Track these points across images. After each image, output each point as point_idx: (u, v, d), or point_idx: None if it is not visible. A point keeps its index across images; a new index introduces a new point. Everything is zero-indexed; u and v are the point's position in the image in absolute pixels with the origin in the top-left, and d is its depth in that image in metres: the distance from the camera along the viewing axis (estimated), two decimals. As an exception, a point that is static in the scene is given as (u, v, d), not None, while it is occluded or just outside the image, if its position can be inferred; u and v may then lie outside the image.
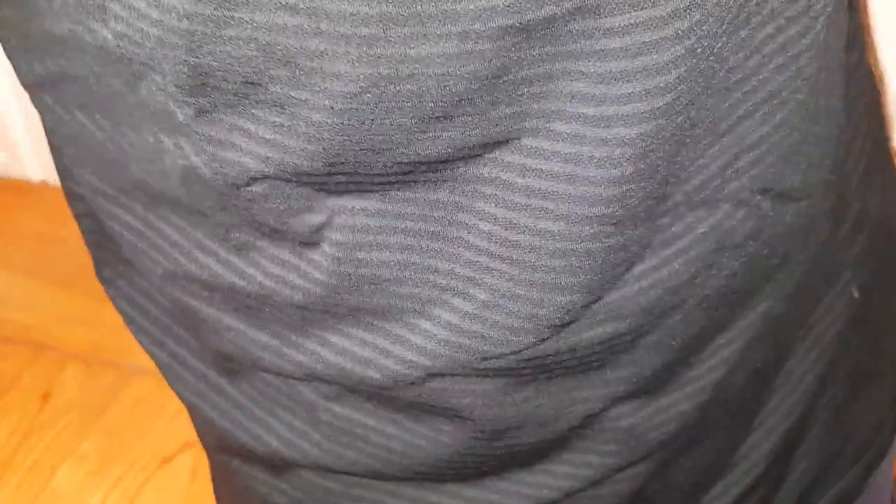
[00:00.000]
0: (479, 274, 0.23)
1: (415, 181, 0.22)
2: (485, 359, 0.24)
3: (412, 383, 0.24)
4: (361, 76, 0.19)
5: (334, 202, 0.22)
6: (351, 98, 0.19)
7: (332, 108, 0.20)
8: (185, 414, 0.62)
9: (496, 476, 0.28)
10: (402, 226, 0.22)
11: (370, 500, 0.29)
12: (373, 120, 0.20)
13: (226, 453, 0.31)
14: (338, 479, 0.28)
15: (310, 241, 0.23)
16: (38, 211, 0.86)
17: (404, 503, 0.28)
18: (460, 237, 0.23)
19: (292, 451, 0.28)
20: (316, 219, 0.22)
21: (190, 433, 0.61)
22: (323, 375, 0.25)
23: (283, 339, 0.25)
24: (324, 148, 0.20)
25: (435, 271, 0.23)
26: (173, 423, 0.62)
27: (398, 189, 0.22)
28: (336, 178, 0.21)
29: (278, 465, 0.29)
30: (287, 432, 0.27)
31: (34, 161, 1.87)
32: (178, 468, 0.59)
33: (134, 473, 0.59)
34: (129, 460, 0.60)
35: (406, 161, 0.21)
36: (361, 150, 0.20)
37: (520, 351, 0.24)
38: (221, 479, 0.35)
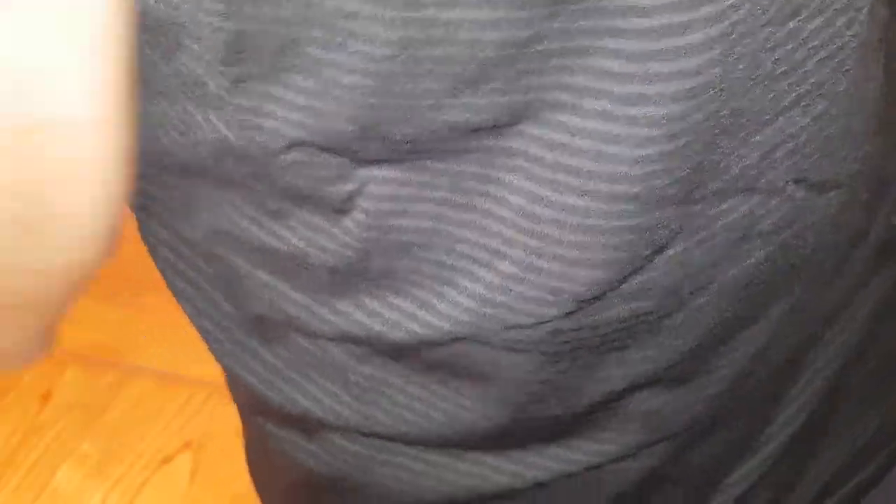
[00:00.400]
0: (505, 246, 0.23)
1: (444, 150, 0.22)
2: (507, 328, 0.24)
3: (438, 345, 0.25)
4: (394, 39, 0.19)
5: (366, 172, 0.22)
6: (383, 61, 0.20)
7: (365, 70, 0.20)
8: (184, 414, 0.62)
9: (519, 447, 0.28)
10: (432, 195, 0.23)
11: (396, 464, 0.29)
12: (404, 84, 0.20)
13: (261, 416, 0.31)
14: (366, 443, 0.29)
15: (342, 208, 0.23)
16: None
17: (428, 468, 0.29)
18: (488, 209, 0.23)
19: (324, 413, 0.28)
20: (348, 187, 0.23)
21: (189, 433, 0.61)
22: (354, 336, 0.26)
23: (318, 300, 0.26)
24: (356, 111, 0.21)
25: (462, 241, 0.23)
26: (173, 423, 0.62)
27: (427, 159, 0.22)
28: (368, 144, 0.22)
29: (310, 428, 0.29)
30: (319, 393, 0.28)
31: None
32: (177, 468, 0.59)
33: (134, 473, 0.59)
34: (129, 460, 0.60)
35: (434, 128, 0.21)
36: (392, 114, 0.21)
37: (542, 323, 0.24)
38: (255, 443, 0.36)
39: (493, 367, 0.25)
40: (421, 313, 0.25)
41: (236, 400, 0.34)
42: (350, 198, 0.23)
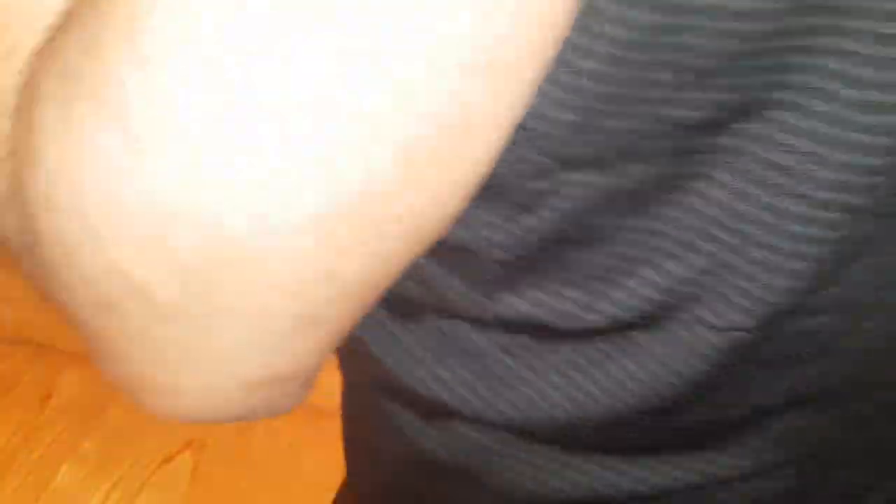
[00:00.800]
0: (700, 240, 0.23)
1: (654, 149, 0.21)
2: (690, 323, 0.24)
3: (604, 332, 0.24)
4: (644, 22, 0.18)
5: (566, 175, 0.22)
6: (627, 47, 0.18)
7: (606, 55, 0.19)
8: (185, 414, 0.62)
9: (650, 452, 0.27)
10: (627, 195, 0.22)
11: (518, 459, 0.28)
12: (638, 73, 0.19)
13: (383, 393, 0.31)
14: (493, 436, 0.28)
15: (529, 205, 0.23)
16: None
17: (550, 465, 0.28)
18: (687, 202, 0.22)
19: (455, 400, 0.28)
20: (542, 185, 0.22)
21: (190, 433, 0.61)
22: (509, 324, 0.26)
23: (477, 288, 0.25)
24: (583, 101, 0.20)
25: (654, 233, 0.23)
26: (173, 423, 0.62)
27: (633, 161, 0.21)
28: (580, 138, 0.21)
29: (434, 412, 0.29)
30: (451, 379, 0.28)
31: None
32: (178, 468, 0.59)
33: (134, 473, 0.59)
34: (130, 460, 0.60)
35: (653, 125, 0.20)
36: (617, 107, 0.20)
37: (728, 331, 0.23)
38: (364, 418, 0.35)
39: (656, 362, 0.25)
40: (595, 302, 0.24)
41: (349, 372, 0.33)
42: (541, 196, 0.22)
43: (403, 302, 0.27)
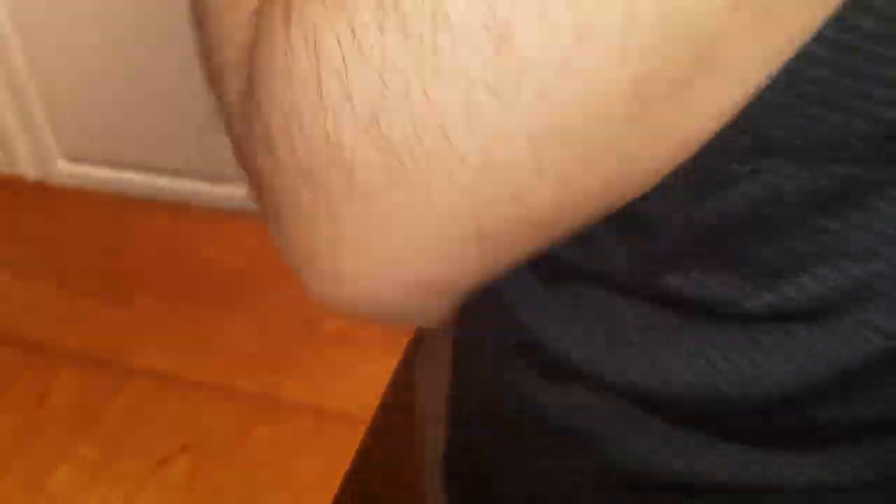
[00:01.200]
0: (882, 244, 0.22)
1: (862, 154, 0.21)
2: (860, 324, 0.24)
3: (757, 319, 0.24)
4: (889, 12, 0.17)
5: (767, 162, 0.21)
6: (861, 35, 0.18)
7: (834, 41, 0.18)
8: (182, 416, 0.62)
9: (768, 446, 0.27)
10: (823, 192, 0.22)
11: (632, 431, 0.28)
12: (864, 64, 0.18)
13: (508, 349, 0.31)
14: (614, 404, 0.28)
15: (718, 186, 0.22)
16: (35, 211, 0.86)
17: (670, 443, 0.28)
18: (877, 206, 0.22)
19: (586, 363, 0.28)
20: (739, 169, 0.22)
21: (187, 435, 0.61)
22: (658, 299, 0.26)
23: (642, 262, 0.25)
24: (802, 83, 0.19)
25: (835, 233, 0.23)
26: (171, 425, 0.62)
27: (836, 162, 0.21)
28: (790, 125, 0.20)
29: (559, 373, 0.29)
30: (587, 342, 0.28)
31: (30, 160, 1.86)
32: (175, 470, 0.58)
33: (131, 475, 0.59)
34: (127, 462, 0.59)
35: (863, 126, 0.20)
36: (834, 96, 0.19)
37: (884, 331, 0.23)
38: (480, 372, 0.35)
39: (809, 356, 0.24)
40: (761, 293, 0.24)
41: (473, 327, 0.33)
42: (734, 179, 0.22)
43: (554, 262, 0.27)
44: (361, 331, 0.70)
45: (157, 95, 1.53)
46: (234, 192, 1.59)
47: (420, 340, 0.71)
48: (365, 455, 0.60)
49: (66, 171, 1.70)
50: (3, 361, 0.68)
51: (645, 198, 0.21)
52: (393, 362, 0.66)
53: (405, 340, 0.69)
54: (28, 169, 1.72)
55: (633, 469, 0.29)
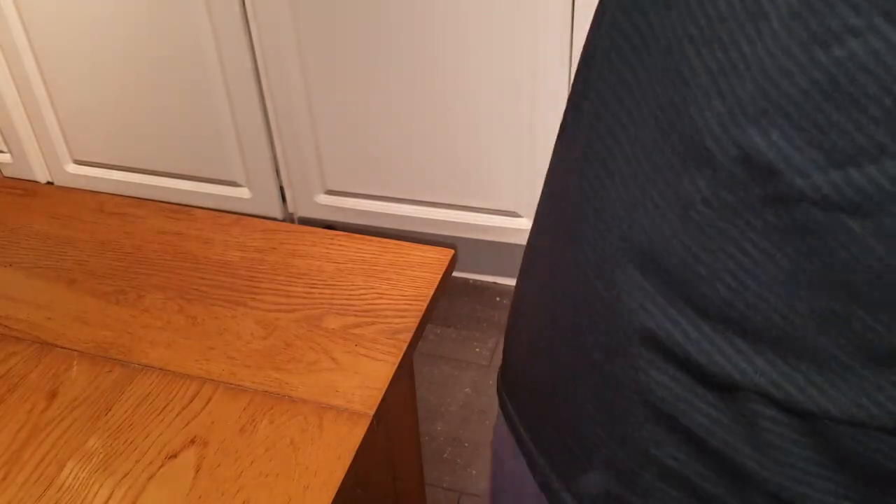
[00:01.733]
0: None
1: None
2: None
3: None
4: None
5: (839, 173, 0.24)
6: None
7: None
8: (190, 410, 0.63)
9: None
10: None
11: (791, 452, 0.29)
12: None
13: (652, 349, 0.32)
14: (794, 423, 0.29)
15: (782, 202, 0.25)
16: (45, 211, 0.86)
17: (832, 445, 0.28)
18: None
19: (741, 376, 0.29)
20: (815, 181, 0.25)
21: (194, 429, 0.62)
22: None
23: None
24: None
25: None
26: (178, 420, 0.62)
27: None
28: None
29: (717, 385, 0.30)
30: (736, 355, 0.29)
31: (41, 162, 1.88)
32: (183, 464, 0.59)
33: (140, 468, 0.59)
34: (135, 456, 0.60)
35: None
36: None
37: None
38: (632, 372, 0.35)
39: None
40: None
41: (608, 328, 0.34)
42: (800, 198, 0.25)
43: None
44: (363, 328, 0.71)
45: (162, 102, 1.54)
46: (239, 195, 1.60)
47: (420, 337, 0.72)
48: (367, 449, 0.61)
49: (75, 173, 1.71)
50: (16, 358, 0.69)
51: None
52: (394, 359, 0.67)
53: (406, 337, 0.69)
54: (40, 171, 1.73)
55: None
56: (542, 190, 0.39)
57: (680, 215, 0.29)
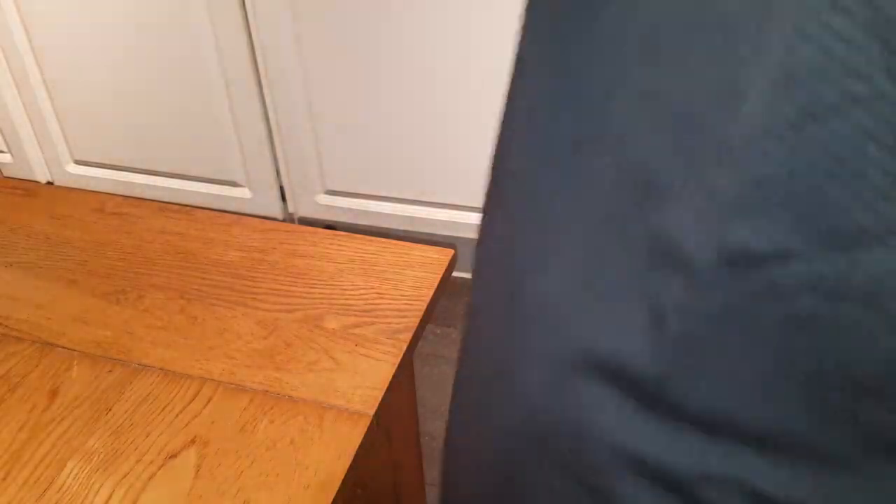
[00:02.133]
0: None
1: None
2: None
3: None
4: None
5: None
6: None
7: None
8: (190, 410, 0.63)
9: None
10: None
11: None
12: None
13: (634, 471, 0.29)
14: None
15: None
16: (45, 211, 0.87)
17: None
18: None
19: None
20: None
21: (195, 429, 0.62)
22: None
23: None
24: None
25: None
26: (178, 420, 0.63)
27: None
28: None
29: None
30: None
31: (41, 162, 1.88)
32: (183, 463, 0.59)
33: (140, 468, 0.59)
34: (135, 456, 0.60)
35: None
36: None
37: None
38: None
39: None
40: None
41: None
42: (797, 290, 0.23)
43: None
44: (363, 328, 0.71)
45: (162, 102, 1.54)
46: (239, 195, 1.61)
47: (420, 337, 0.72)
48: (367, 449, 0.61)
49: (75, 173, 1.71)
50: (16, 358, 0.69)
51: None
52: (394, 359, 0.67)
53: (406, 337, 0.69)
54: (40, 171, 1.73)
55: None
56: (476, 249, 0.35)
57: (649, 326, 0.26)
